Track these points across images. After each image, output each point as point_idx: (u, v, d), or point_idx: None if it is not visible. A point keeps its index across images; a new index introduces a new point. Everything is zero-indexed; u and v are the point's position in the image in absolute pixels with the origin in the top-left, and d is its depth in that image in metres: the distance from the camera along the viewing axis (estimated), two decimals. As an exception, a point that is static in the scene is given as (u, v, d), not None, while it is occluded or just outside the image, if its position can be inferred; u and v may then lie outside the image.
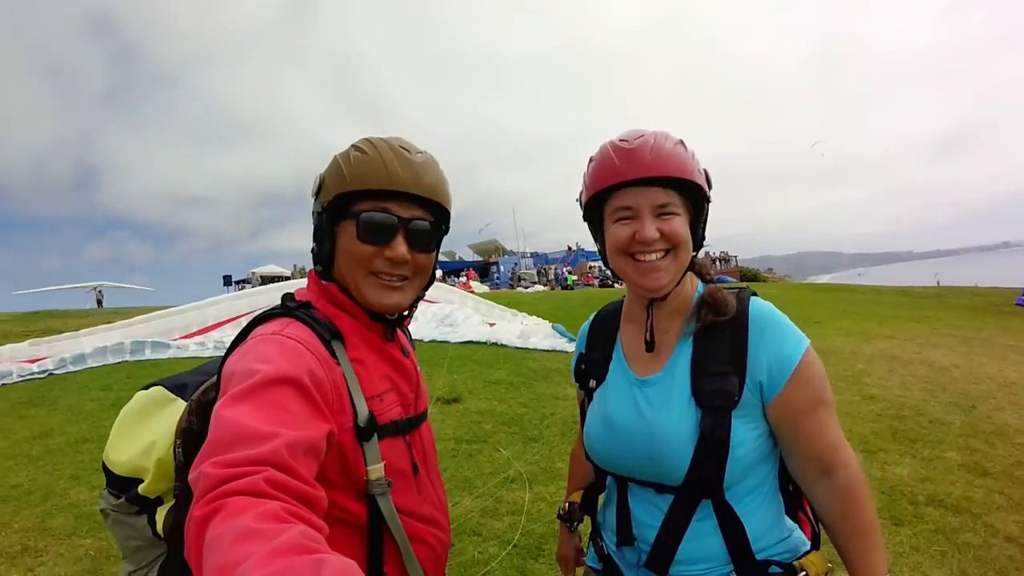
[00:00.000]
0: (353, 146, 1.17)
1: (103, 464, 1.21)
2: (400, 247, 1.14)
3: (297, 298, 1.18)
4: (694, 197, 1.20)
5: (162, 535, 1.14)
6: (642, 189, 1.15)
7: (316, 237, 1.19)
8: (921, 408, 6.17)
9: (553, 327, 11.28)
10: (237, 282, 35.20)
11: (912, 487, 4.26)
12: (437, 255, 1.27)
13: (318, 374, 0.98)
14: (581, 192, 1.29)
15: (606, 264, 1.29)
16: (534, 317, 12.97)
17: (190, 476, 0.77)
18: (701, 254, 1.27)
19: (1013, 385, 7.01)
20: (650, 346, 1.25)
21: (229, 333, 11.03)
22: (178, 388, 1.23)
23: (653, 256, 1.16)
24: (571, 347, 9.66)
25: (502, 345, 10.09)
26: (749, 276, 35.91)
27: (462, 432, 5.47)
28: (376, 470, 1.07)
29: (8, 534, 3.96)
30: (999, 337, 10.78)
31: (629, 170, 1.15)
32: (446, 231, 1.28)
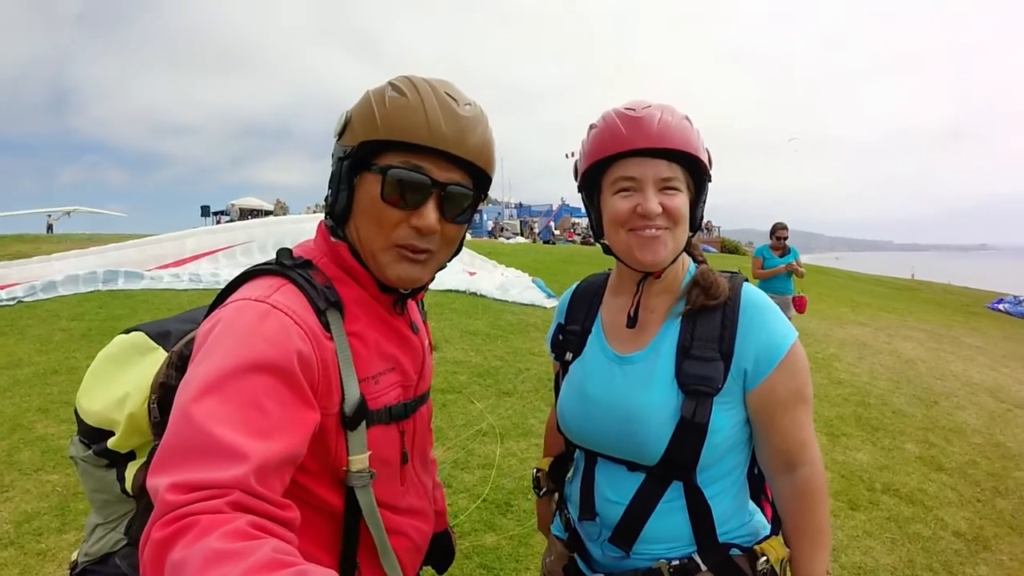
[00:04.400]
0: (390, 84, 1.00)
1: (75, 410, 1.12)
2: (430, 215, 0.98)
3: (296, 254, 1.03)
4: (696, 175, 1.16)
5: (131, 492, 1.06)
6: (647, 160, 1.11)
7: (333, 185, 1.02)
8: (886, 398, 6.34)
9: (533, 281, 11.26)
10: (215, 213, 33.90)
11: (871, 474, 4.41)
12: (469, 226, 1.12)
13: (305, 354, 0.86)
14: (577, 161, 1.24)
15: (597, 238, 1.25)
16: (513, 269, 12.92)
17: (147, 482, 0.70)
18: None
19: (975, 386, 7.21)
20: (632, 322, 1.22)
21: (205, 267, 10.72)
22: (160, 336, 1.11)
23: (653, 231, 1.12)
24: (549, 303, 9.70)
25: (481, 295, 10.05)
26: (731, 247, 36.05)
27: (437, 381, 5.44)
28: (359, 461, 0.96)
29: (-28, 469, 3.86)
30: (968, 337, 11.04)
31: (635, 139, 1.10)
32: (484, 199, 1.12)
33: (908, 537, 3.57)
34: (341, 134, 1.02)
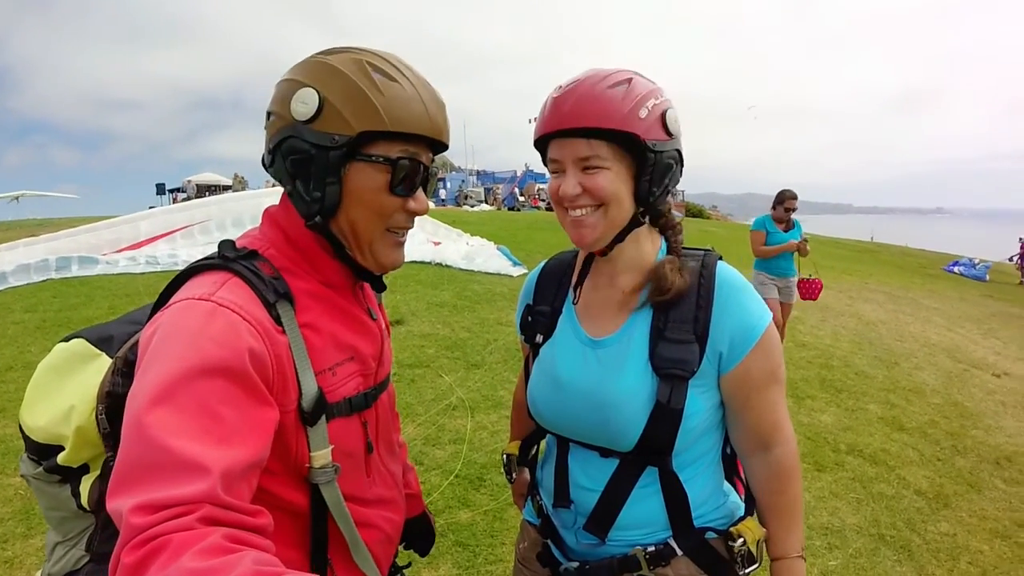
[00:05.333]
0: (370, 65, 0.93)
1: (20, 427, 1.05)
2: (424, 199, 1.02)
3: (240, 245, 0.97)
4: (634, 147, 1.06)
5: (88, 507, 1.01)
6: (565, 141, 1.08)
7: (316, 177, 0.93)
8: (848, 360, 6.48)
9: (498, 248, 11.16)
10: (171, 190, 32.48)
11: (835, 435, 4.50)
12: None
13: (257, 351, 0.82)
14: None
15: None
16: (479, 238, 12.78)
17: (108, 506, 0.67)
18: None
19: (933, 347, 7.42)
20: (575, 298, 1.22)
21: (163, 248, 10.24)
22: (103, 341, 1.04)
23: (579, 212, 1.09)
24: (516, 271, 9.66)
25: (447, 266, 9.94)
26: (694, 212, 36.38)
27: (405, 356, 5.39)
28: (321, 456, 0.93)
29: (-73, 475, 3.56)
30: (925, 299, 11.35)
31: (550, 122, 1.08)
32: None
33: (872, 496, 3.66)
34: (313, 118, 0.91)
